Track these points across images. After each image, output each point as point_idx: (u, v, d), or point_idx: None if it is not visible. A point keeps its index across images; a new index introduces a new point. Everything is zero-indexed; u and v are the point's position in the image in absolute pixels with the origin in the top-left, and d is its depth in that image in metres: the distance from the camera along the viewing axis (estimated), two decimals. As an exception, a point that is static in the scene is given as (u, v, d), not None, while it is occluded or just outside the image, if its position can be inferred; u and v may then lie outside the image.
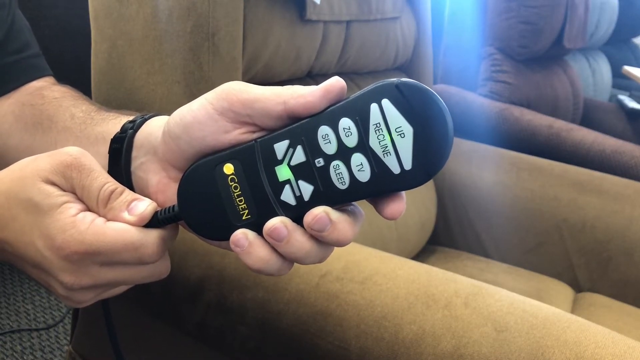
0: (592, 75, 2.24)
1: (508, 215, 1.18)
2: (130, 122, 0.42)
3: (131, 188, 0.40)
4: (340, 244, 0.33)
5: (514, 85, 1.58)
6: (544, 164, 1.21)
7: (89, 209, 0.37)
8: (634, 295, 1.09)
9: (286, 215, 0.34)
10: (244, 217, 0.34)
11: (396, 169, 0.32)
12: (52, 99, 0.52)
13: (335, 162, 0.32)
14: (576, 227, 1.13)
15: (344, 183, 0.32)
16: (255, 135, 0.35)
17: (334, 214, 0.33)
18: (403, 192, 0.33)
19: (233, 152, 0.34)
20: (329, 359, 0.58)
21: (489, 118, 1.46)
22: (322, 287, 0.60)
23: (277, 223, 0.33)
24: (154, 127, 0.40)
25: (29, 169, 0.37)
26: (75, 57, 1.06)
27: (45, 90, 0.55)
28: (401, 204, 0.33)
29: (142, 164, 0.40)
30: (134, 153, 0.41)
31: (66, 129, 0.48)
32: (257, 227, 0.34)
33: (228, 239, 0.34)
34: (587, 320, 0.55)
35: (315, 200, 0.33)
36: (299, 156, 0.33)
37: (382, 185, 0.32)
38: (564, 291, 1.11)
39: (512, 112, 1.45)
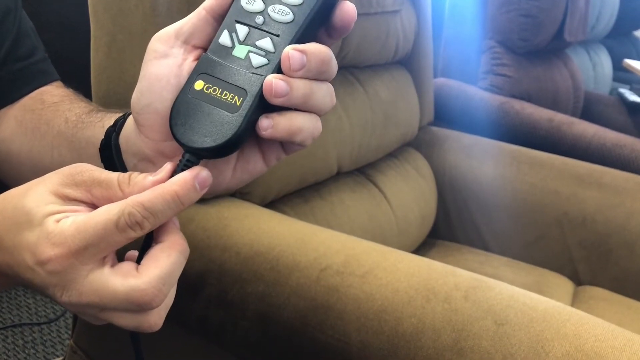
0: (593, 69, 2.24)
1: (508, 209, 1.18)
2: (112, 126, 0.42)
3: None
4: (325, 60, 0.35)
5: (515, 78, 1.57)
6: (544, 158, 1.21)
7: (107, 202, 0.34)
8: (634, 289, 1.09)
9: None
10: (238, 103, 0.35)
11: None
12: (50, 104, 0.52)
13: (269, 8, 0.36)
14: (576, 221, 1.13)
15: (288, 13, 0.35)
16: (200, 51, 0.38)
17: (298, 46, 0.34)
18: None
19: (194, 72, 0.36)
20: (329, 352, 0.58)
21: (489, 111, 1.46)
22: (323, 281, 0.60)
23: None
24: (130, 128, 0.40)
25: (35, 183, 0.35)
26: (75, 52, 1.05)
27: (45, 95, 0.54)
28: (349, 6, 0.36)
29: (136, 167, 0.40)
30: (124, 157, 0.41)
31: (60, 133, 0.48)
32: (255, 99, 0.35)
33: (238, 130, 0.34)
34: (587, 313, 0.55)
35: (278, 46, 0.35)
36: (242, 30, 0.36)
37: None
38: (564, 284, 1.11)
39: (513, 105, 1.45)
